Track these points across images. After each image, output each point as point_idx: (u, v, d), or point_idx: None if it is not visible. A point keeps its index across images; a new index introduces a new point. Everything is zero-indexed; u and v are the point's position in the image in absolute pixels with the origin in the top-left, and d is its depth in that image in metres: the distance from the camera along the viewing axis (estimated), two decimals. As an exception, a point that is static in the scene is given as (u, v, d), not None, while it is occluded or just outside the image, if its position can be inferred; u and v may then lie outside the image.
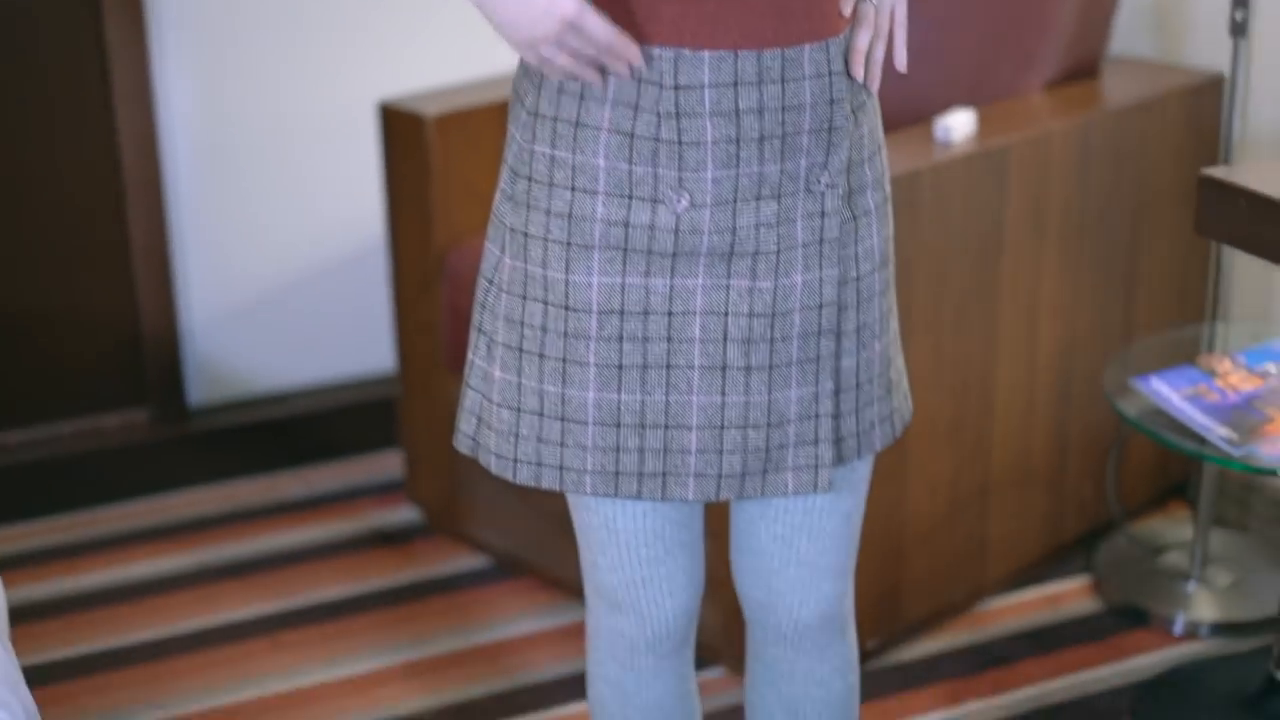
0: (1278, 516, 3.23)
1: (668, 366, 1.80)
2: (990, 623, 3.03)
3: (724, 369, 1.80)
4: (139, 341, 3.61)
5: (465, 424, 1.93)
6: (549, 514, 3.06)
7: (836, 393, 1.86)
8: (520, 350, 1.84)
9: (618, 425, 1.82)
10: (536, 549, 3.12)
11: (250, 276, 3.67)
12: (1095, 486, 3.20)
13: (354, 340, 3.78)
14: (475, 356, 1.90)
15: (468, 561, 3.25)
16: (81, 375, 3.58)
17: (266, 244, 3.66)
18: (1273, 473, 2.43)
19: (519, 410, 1.85)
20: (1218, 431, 2.46)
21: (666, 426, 1.81)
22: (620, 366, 1.80)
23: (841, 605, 2.00)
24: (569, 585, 3.10)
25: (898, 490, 2.82)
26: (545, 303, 1.81)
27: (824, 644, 2.02)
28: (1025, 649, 2.96)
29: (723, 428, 1.81)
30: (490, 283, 1.87)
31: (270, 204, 3.65)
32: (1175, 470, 3.37)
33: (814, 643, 2.01)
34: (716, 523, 2.74)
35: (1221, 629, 3.00)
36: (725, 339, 1.79)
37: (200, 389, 3.67)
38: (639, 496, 1.84)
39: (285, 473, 3.60)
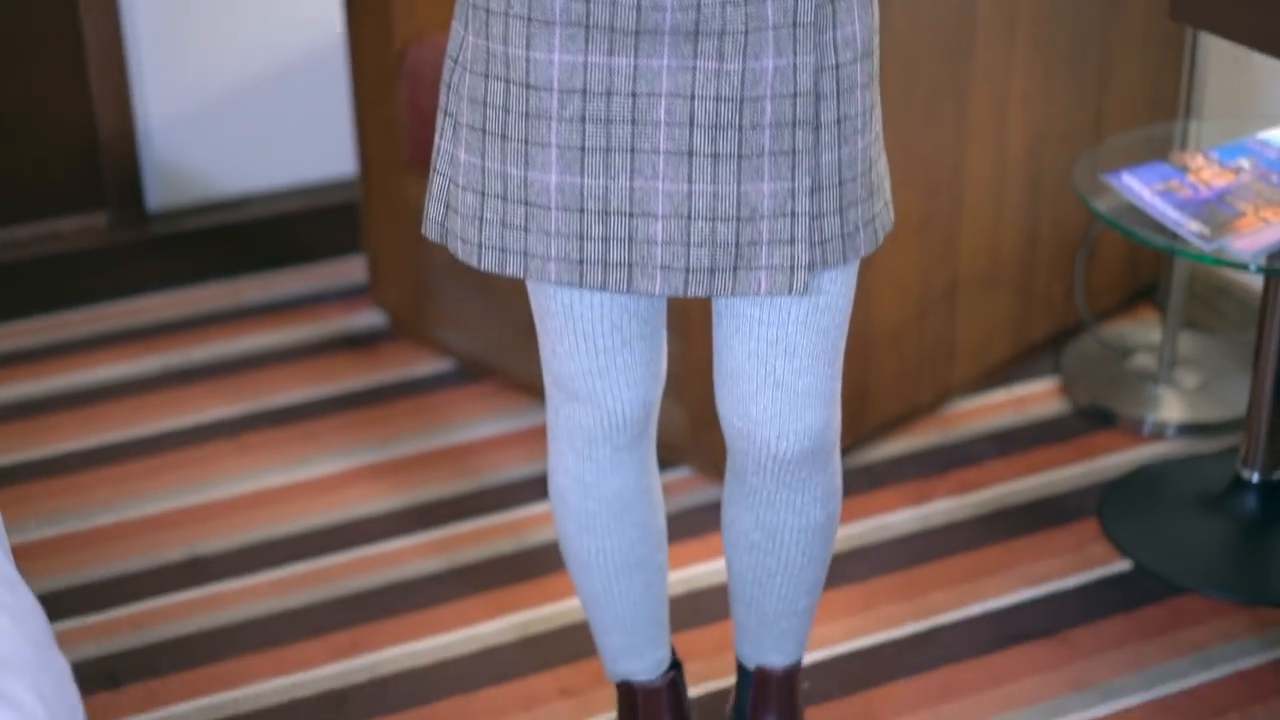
0: (1246, 319, 3.21)
1: (632, 150, 1.75)
2: (957, 424, 3.02)
3: (690, 155, 1.75)
4: (96, 145, 3.54)
5: (434, 210, 1.88)
6: (513, 316, 3.03)
7: (816, 190, 1.79)
8: (483, 131, 1.79)
9: (581, 211, 1.77)
10: (500, 352, 3.10)
11: (208, 78, 3.59)
12: (1064, 288, 3.18)
13: (316, 143, 3.72)
14: (441, 140, 1.86)
15: (432, 365, 3.23)
16: (38, 179, 3.52)
17: (224, 44, 3.58)
18: (1244, 267, 2.41)
19: (483, 194, 1.81)
20: (1189, 226, 2.43)
21: (631, 214, 1.77)
22: (583, 149, 1.75)
23: (824, 438, 1.94)
24: (533, 388, 3.08)
25: (865, 291, 2.79)
26: (507, 80, 1.76)
27: (804, 476, 1.97)
28: (992, 450, 2.95)
29: (689, 218, 1.76)
30: (455, 62, 1.82)
31: (228, 2, 3.56)
32: (1145, 272, 3.35)
33: (794, 475, 1.96)
34: (680, 320, 2.71)
35: (1188, 430, 3.00)
36: (692, 123, 1.74)
37: (159, 193, 3.62)
38: (604, 287, 1.80)
39: (247, 278, 3.55)
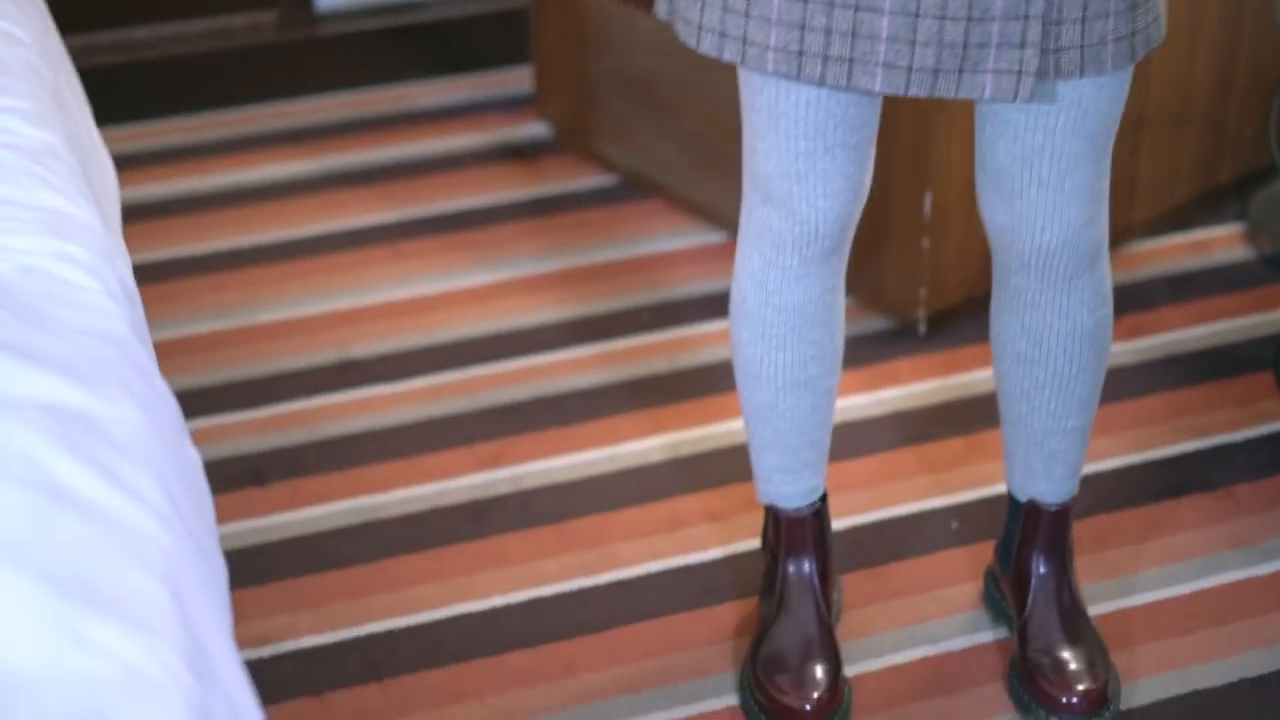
0: None
1: None
2: (1133, 266, 2.90)
3: None
4: (268, -59, 3.50)
5: None
6: (679, 134, 2.96)
7: None
8: None
9: (804, 0, 1.71)
10: (665, 169, 3.03)
11: (383, -124, 3.53)
12: (1256, 129, 3.03)
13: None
14: None
15: (595, 179, 3.17)
16: (210, -26, 3.49)
17: None
18: None
19: None
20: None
21: (857, 8, 1.70)
22: None
23: (1090, 233, 1.91)
24: (696, 208, 3.01)
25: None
26: None
27: (1070, 275, 1.92)
28: (1167, 294, 2.84)
29: (918, 15, 1.69)
30: None
31: None
32: (1344, 118, 3.18)
33: (1059, 273, 1.92)
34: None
35: (1378, 284, 2.86)
36: None
37: (330, -7, 3.57)
38: (822, 82, 1.74)
39: (413, 82, 3.51)
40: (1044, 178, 1.85)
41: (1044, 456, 2.08)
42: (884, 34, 1.71)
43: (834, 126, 1.83)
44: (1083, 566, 2.30)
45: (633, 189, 3.13)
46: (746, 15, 1.75)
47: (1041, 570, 2.13)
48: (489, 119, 3.37)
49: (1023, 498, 2.13)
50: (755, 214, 1.93)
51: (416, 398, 2.63)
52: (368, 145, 3.30)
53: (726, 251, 2.94)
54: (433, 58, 3.55)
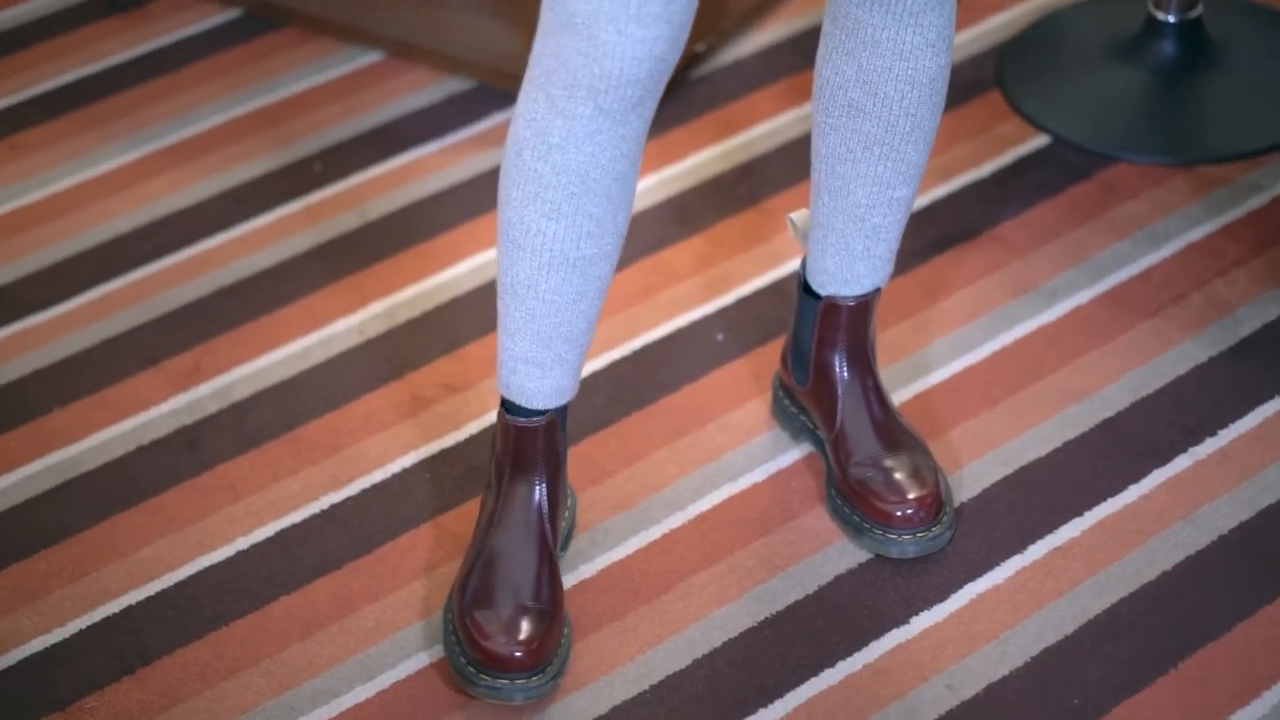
0: None
1: None
2: (824, 1, 2.67)
3: None
4: None
5: None
6: (303, -52, 2.59)
7: None
8: None
9: None
10: (295, -9, 2.66)
11: None
12: None
13: None
14: None
15: (214, 16, 2.77)
16: None
17: None
18: None
19: None
20: None
21: None
22: None
23: None
24: (342, 29, 2.65)
25: None
26: None
27: (918, 8, 1.71)
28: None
29: None
30: None
31: None
32: None
33: (906, 7, 1.70)
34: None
35: (1076, -29, 2.69)
36: None
37: None
38: None
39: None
40: None
41: (865, 234, 1.85)
42: None
43: None
44: (867, 353, 2.10)
45: (261, 20, 2.75)
46: None
47: (847, 375, 1.91)
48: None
49: (825, 291, 1.90)
50: (549, 44, 1.57)
51: (81, 319, 2.26)
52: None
53: (384, 72, 2.61)
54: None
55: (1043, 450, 2.00)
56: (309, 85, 2.61)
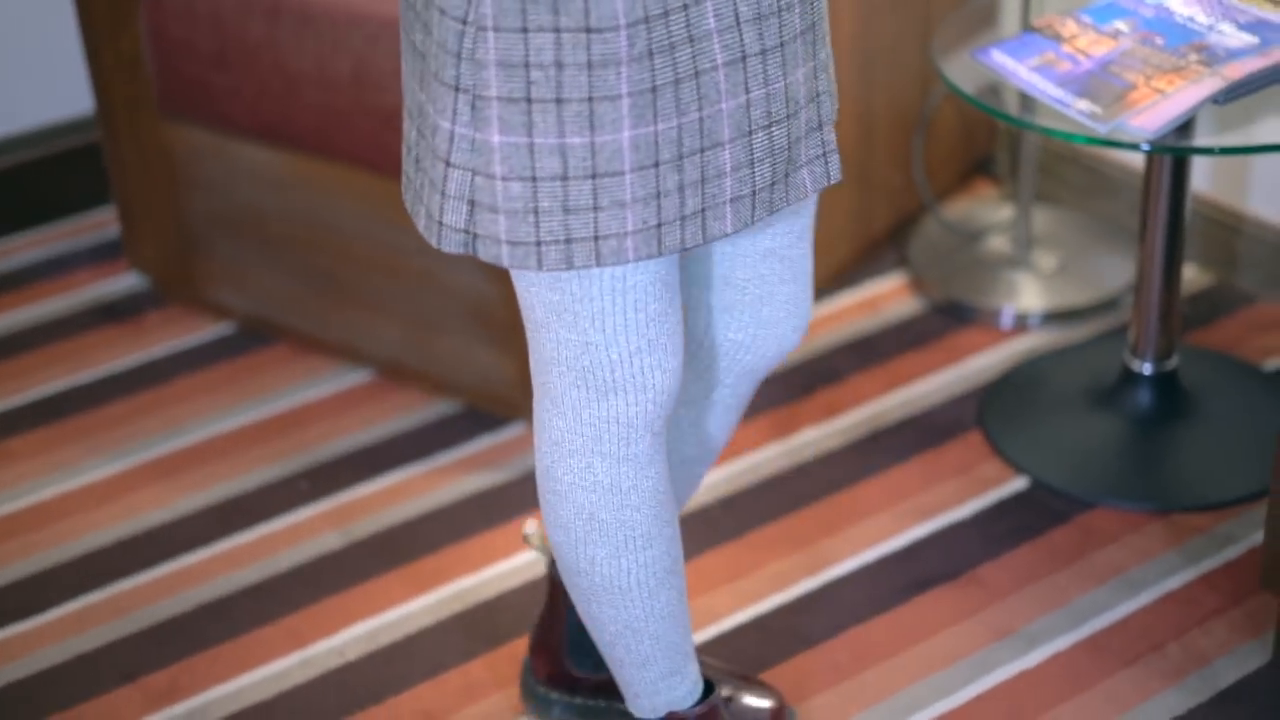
0: (1094, 186, 2.97)
1: (696, 74, 1.50)
2: (810, 334, 2.73)
3: (744, 60, 1.52)
4: None
5: (452, 216, 1.53)
6: (302, 270, 2.65)
7: (826, 62, 1.64)
8: (528, 101, 1.46)
9: (656, 165, 1.50)
10: (289, 310, 2.71)
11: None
12: (903, 173, 2.90)
13: (44, 81, 3.24)
14: (454, 125, 1.50)
15: (209, 330, 2.82)
16: None
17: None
18: (1142, 149, 2.14)
19: (534, 179, 1.49)
20: (1077, 106, 2.15)
21: (703, 150, 1.52)
22: (654, 89, 1.48)
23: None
24: (331, 348, 2.70)
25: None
26: (557, 30, 1.45)
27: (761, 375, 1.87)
28: (853, 361, 2.67)
29: (750, 133, 1.54)
30: (465, 23, 1.46)
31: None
32: (979, 144, 3.08)
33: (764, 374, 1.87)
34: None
35: (1054, 317, 2.76)
36: (738, 22, 1.51)
37: None
38: (683, 246, 1.55)
39: (-23, 246, 3.10)
40: (800, 267, 1.77)
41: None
42: (728, 166, 1.54)
43: (673, 270, 1.63)
44: (847, 693, 2.10)
45: (254, 336, 2.80)
46: (595, 209, 1.51)
47: None
48: (74, 276, 2.98)
49: None
50: (587, 415, 1.65)
51: (59, 631, 2.25)
52: (-63, 328, 2.87)
53: (375, 392, 2.64)
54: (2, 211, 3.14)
55: (1026, 802, 1.99)
56: (299, 402, 2.65)
